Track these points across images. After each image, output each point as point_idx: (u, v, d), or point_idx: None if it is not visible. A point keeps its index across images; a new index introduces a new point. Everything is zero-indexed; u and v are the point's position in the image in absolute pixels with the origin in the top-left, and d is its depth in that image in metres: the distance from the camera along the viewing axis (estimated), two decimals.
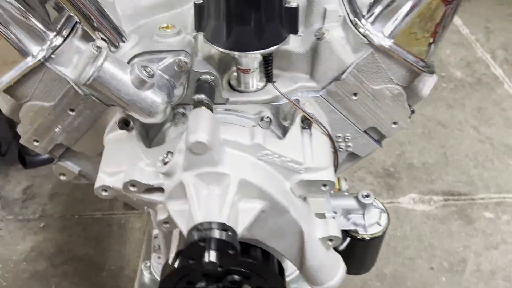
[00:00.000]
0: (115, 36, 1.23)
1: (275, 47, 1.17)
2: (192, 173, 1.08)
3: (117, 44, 1.24)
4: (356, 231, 1.48)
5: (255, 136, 1.15)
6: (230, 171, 1.10)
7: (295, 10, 1.16)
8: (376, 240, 1.58)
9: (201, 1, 1.17)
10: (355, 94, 1.33)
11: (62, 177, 1.45)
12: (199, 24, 1.20)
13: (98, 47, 1.16)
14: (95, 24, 1.20)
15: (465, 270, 3.07)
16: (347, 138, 1.42)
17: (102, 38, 1.22)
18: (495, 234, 3.33)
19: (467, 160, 3.63)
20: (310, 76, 1.34)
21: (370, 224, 1.56)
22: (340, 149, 1.46)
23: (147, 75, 1.09)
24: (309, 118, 1.26)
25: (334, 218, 1.29)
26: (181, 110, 1.31)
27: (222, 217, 0.94)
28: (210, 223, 0.92)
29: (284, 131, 1.37)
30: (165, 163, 1.12)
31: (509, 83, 4.23)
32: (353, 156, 1.49)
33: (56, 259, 3.13)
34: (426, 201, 3.39)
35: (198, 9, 1.18)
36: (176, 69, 1.17)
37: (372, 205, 1.60)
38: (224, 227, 0.91)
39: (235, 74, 1.34)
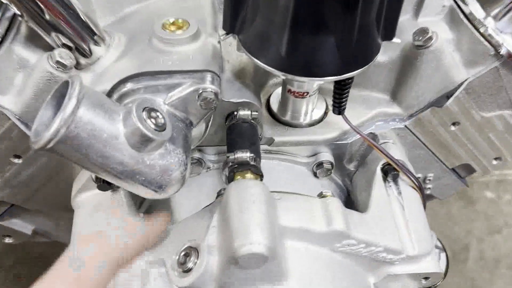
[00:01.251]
0: (85, 38, 0.72)
1: (365, 67, 0.69)
2: None
3: (89, 53, 0.72)
4: None
5: (333, 217, 0.69)
6: (299, 284, 0.65)
7: (397, 4, 0.68)
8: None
9: None
10: (454, 124, 0.88)
11: (7, 240, 0.96)
12: (232, 23, 0.70)
13: (60, 64, 0.65)
14: (49, 19, 0.68)
15: (468, 258, 2.85)
16: (428, 179, 0.99)
17: (64, 44, 0.70)
18: (497, 216, 3.11)
19: None
20: (392, 97, 0.87)
21: None
22: None
23: (154, 127, 0.60)
24: (398, 168, 0.81)
25: None
26: (196, 155, 0.82)
27: None
28: None
29: (347, 176, 0.92)
30: (186, 270, 0.66)
31: None
32: (426, 198, 1.06)
33: (8, 259, 2.58)
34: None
35: None
36: (200, 106, 0.68)
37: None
38: None
39: (278, 92, 0.86)
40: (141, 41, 0.75)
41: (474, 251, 3.02)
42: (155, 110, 0.62)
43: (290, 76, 0.69)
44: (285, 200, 0.70)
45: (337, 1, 0.61)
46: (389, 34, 0.72)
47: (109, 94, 0.70)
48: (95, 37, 0.74)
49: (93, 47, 0.73)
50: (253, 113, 0.75)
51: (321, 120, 0.85)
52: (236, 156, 0.68)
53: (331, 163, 0.86)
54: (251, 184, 0.65)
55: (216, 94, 0.68)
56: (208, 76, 0.69)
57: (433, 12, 0.84)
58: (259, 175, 0.69)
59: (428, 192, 1.04)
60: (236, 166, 0.68)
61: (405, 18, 0.86)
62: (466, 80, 0.83)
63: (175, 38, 0.72)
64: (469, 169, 1.01)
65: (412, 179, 0.83)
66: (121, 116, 0.60)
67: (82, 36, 0.72)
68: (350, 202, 0.94)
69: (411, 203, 0.82)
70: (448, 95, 0.85)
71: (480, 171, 1.01)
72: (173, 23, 0.75)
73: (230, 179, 0.68)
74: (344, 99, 0.78)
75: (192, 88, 0.68)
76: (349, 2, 0.61)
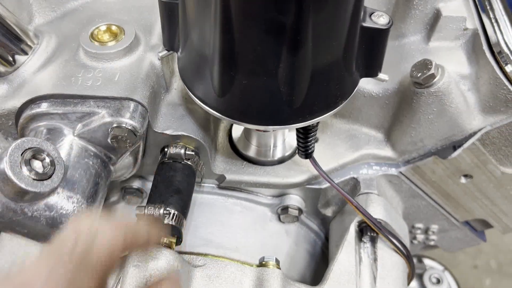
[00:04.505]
0: (8, 46, 0.60)
1: (327, 114, 0.53)
2: None
3: (12, 61, 0.60)
4: None
5: None
6: None
7: (381, 35, 0.50)
8: None
9: None
10: (466, 176, 0.69)
11: None
12: (170, 39, 0.56)
13: None
14: None
15: None
16: (432, 231, 0.81)
17: None
18: None
19: None
20: (386, 137, 0.70)
21: None
22: (415, 242, 0.85)
23: (34, 177, 0.48)
24: (375, 229, 0.65)
25: None
26: (135, 185, 0.70)
27: None
28: None
29: (323, 221, 0.76)
30: None
31: None
32: (428, 247, 0.89)
33: None
34: None
35: (167, 11, 0.53)
36: (112, 143, 0.55)
37: None
38: None
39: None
40: (70, 49, 0.62)
41: None
42: (41, 152, 0.50)
43: (227, 120, 0.54)
44: (209, 268, 0.57)
45: (275, 41, 0.45)
46: (370, 71, 0.55)
47: (19, 113, 0.59)
48: (22, 45, 0.62)
49: (17, 56, 0.62)
50: (188, 152, 0.61)
51: (291, 156, 0.70)
52: (146, 212, 0.55)
53: (299, 209, 0.71)
54: (154, 252, 0.52)
55: (133, 130, 0.55)
56: (129, 107, 0.56)
57: (451, 35, 0.64)
58: (175, 236, 0.55)
59: (431, 243, 0.86)
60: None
61: (413, 39, 0.67)
62: (480, 129, 0.64)
63: (103, 52, 0.59)
64: (486, 224, 0.82)
65: (396, 245, 0.67)
66: None
67: (3, 44, 0.60)
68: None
69: (389, 273, 0.66)
70: (455, 145, 0.66)
71: (500, 228, 0.82)
72: (106, 30, 0.61)
73: None
74: (310, 144, 0.62)
75: (103, 121, 0.55)
76: (292, 42, 0.44)
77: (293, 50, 0.45)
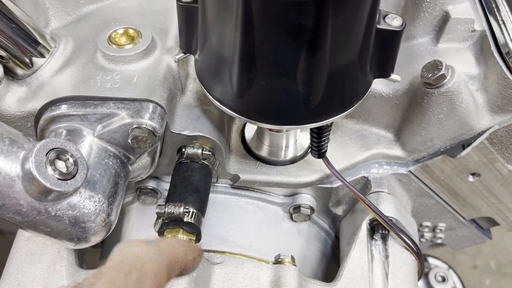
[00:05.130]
0: (26, 49, 0.61)
1: (342, 114, 0.54)
2: None
3: (29, 64, 0.62)
4: None
5: None
6: None
7: (395, 36, 0.52)
8: None
9: (189, 0, 0.53)
10: (474, 175, 0.71)
11: None
12: (187, 42, 0.57)
13: None
14: None
15: None
16: (439, 229, 0.82)
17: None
18: None
19: None
20: (396, 137, 0.71)
21: None
22: (422, 240, 0.87)
23: (58, 176, 0.49)
24: (387, 227, 0.66)
25: None
26: (150, 185, 0.71)
27: None
28: None
29: (334, 220, 0.78)
30: None
31: None
32: (435, 245, 0.91)
33: None
34: None
35: (185, 14, 0.54)
36: (132, 144, 0.56)
37: None
38: None
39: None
40: (87, 52, 0.63)
41: None
42: (65, 152, 0.51)
43: (245, 120, 0.55)
44: (227, 265, 0.58)
45: (294, 43, 0.46)
46: (383, 72, 0.57)
47: (39, 115, 0.60)
48: (39, 48, 0.63)
49: (35, 59, 0.63)
50: (204, 152, 0.62)
51: (303, 157, 0.71)
52: (166, 210, 0.56)
53: (311, 208, 0.72)
54: None
55: (153, 131, 0.56)
56: (148, 108, 0.57)
57: (459, 37, 0.66)
58: (194, 234, 0.57)
59: (438, 241, 0.87)
60: (167, 222, 0.57)
61: (423, 40, 0.68)
62: (489, 129, 0.65)
63: (121, 55, 0.60)
64: (492, 222, 0.84)
65: (407, 242, 0.68)
66: (19, 160, 0.50)
67: (21, 47, 0.61)
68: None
69: (400, 270, 0.67)
70: (464, 144, 0.67)
71: (507, 226, 0.84)
72: (123, 34, 0.62)
73: (161, 235, 0.57)
74: (323, 143, 0.63)
75: (123, 122, 0.56)
76: (311, 44, 0.46)
77: (312, 52, 0.47)
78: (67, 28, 0.69)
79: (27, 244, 0.68)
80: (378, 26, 0.52)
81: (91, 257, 0.82)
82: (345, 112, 0.55)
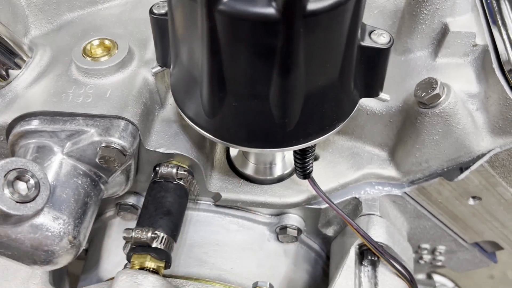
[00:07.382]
0: (1, 60, 0.59)
1: (323, 136, 0.50)
2: None
3: (5, 75, 0.59)
4: None
5: None
6: None
7: (381, 54, 0.48)
8: None
9: (162, 12, 0.50)
10: (474, 198, 0.66)
11: None
12: (162, 55, 0.54)
13: None
14: None
15: None
16: (439, 252, 0.78)
17: None
18: None
19: None
20: (390, 156, 0.67)
21: None
22: (421, 262, 0.82)
23: (17, 199, 0.47)
24: (376, 253, 0.62)
25: None
26: (130, 201, 0.68)
27: None
28: None
29: (324, 240, 0.74)
30: None
31: None
32: (436, 267, 0.86)
33: None
34: None
35: (158, 26, 0.51)
36: (100, 163, 0.53)
37: None
38: None
39: None
40: (63, 63, 0.61)
41: None
42: (26, 172, 0.49)
43: (217, 141, 0.52)
44: None
45: (264, 64, 0.42)
46: (371, 91, 0.52)
47: (9, 129, 0.58)
48: (16, 59, 0.61)
49: (11, 71, 0.60)
50: (179, 172, 0.59)
51: (291, 175, 0.67)
52: (133, 235, 0.53)
53: (298, 229, 0.69)
54: (140, 279, 0.50)
55: (122, 150, 0.53)
56: (118, 126, 0.54)
57: (459, 51, 0.61)
58: (163, 261, 0.53)
59: (438, 264, 0.83)
60: (134, 247, 0.54)
61: (420, 54, 0.64)
62: (489, 151, 0.60)
63: (94, 68, 0.57)
64: (496, 245, 0.79)
65: (399, 269, 0.64)
66: None
67: None
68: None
69: None
70: (462, 167, 0.63)
71: (511, 250, 0.78)
72: (99, 45, 0.59)
73: (128, 260, 0.54)
74: (307, 164, 0.59)
75: (92, 140, 0.53)
76: (283, 66, 0.42)
77: (284, 73, 0.43)
78: (47, 37, 0.66)
79: (2, 259, 0.66)
80: (362, 43, 0.47)
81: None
82: (327, 135, 0.51)
